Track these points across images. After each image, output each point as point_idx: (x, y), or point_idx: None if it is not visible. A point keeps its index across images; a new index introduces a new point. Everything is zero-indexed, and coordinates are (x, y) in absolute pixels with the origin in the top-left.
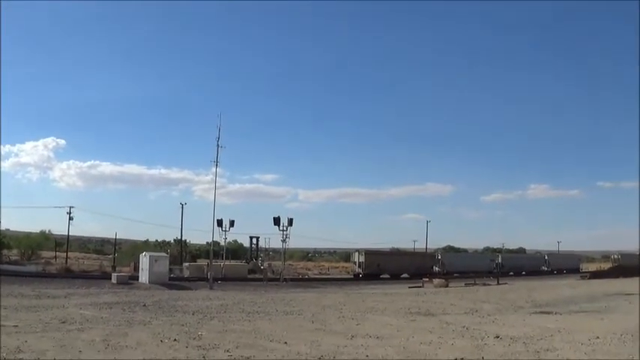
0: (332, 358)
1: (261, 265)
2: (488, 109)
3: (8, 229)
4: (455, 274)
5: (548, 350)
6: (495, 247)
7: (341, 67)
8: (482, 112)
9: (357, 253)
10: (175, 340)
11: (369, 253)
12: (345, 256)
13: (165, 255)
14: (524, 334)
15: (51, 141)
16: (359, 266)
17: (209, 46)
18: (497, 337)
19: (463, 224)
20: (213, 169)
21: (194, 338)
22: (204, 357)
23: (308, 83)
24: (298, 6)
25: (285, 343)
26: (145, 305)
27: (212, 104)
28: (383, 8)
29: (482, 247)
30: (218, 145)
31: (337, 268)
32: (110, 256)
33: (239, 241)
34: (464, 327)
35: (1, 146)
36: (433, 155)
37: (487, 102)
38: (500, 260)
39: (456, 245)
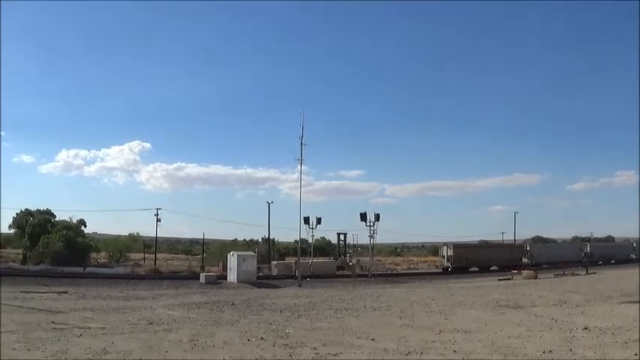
0: (419, 353)
1: (350, 262)
2: (572, 97)
3: (96, 233)
4: (544, 265)
5: (637, 341)
6: (584, 236)
7: (422, 62)
8: (566, 101)
9: (445, 247)
10: (262, 338)
11: (457, 247)
12: (434, 250)
13: (253, 254)
14: (613, 325)
15: (136, 144)
16: (447, 260)
17: (291, 45)
18: (586, 328)
19: (550, 214)
20: (299, 167)
21: (281, 336)
22: (290, 355)
23: (390, 79)
24: (373, 4)
25: (373, 339)
26: (232, 304)
27: (295, 102)
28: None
29: (570, 237)
30: (302, 142)
31: (425, 262)
32: (198, 257)
33: (327, 238)
34: (552, 319)
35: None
36: (519, 145)
37: (571, 91)
38: (588, 249)
39: (544, 235)
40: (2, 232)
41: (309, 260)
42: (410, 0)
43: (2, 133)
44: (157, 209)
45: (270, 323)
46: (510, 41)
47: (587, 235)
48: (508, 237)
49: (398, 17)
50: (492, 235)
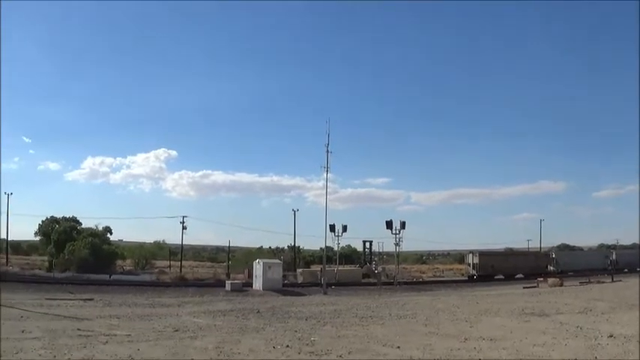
0: None
1: (375, 270)
2: (598, 104)
3: (122, 240)
4: (569, 273)
5: None
6: (609, 243)
7: (448, 68)
8: (592, 108)
9: (470, 255)
10: (288, 346)
11: (483, 254)
12: (459, 257)
13: (279, 261)
14: (638, 333)
15: (162, 152)
16: (473, 268)
17: (317, 52)
18: (611, 336)
19: (576, 221)
20: (325, 175)
21: (307, 344)
22: None
23: (417, 86)
24: (397, 8)
25: (398, 347)
26: (258, 312)
27: (321, 110)
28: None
29: (596, 244)
30: (328, 150)
31: (451, 270)
32: (224, 264)
33: (352, 246)
34: (578, 327)
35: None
36: (544, 153)
37: (597, 98)
38: (614, 257)
39: (570, 243)
40: (28, 239)
41: (335, 268)
42: (438, 0)
43: (29, 141)
44: (183, 217)
45: (296, 331)
46: (536, 45)
47: (613, 243)
48: (534, 245)
49: (424, 21)
50: (518, 242)
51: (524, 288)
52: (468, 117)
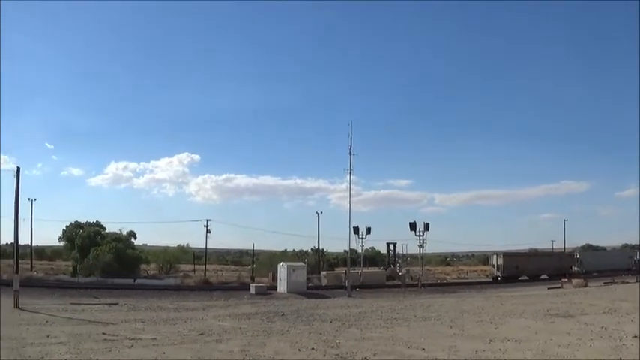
0: None
1: (399, 272)
2: (619, 102)
3: (146, 244)
4: (594, 273)
5: None
6: (633, 243)
7: (468, 71)
8: (613, 106)
9: (494, 256)
10: (313, 348)
11: (507, 255)
12: (483, 259)
13: (303, 264)
14: None
15: (185, 156)
16: (497, 269)
17: (337, 53)
18: (636, 336)
19: (600, 221)
20: (348, 178)
21: (332, 346)
22: None
23: (438, 88)
24: (424, 9)
25: (423, 349)
26: (283, 315)
27: (344, 112)
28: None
29: (620, 244)
30: (350, 153)
31: (475, 271)
32: (248, 267)
33: (376, 248)
34: (602, 327)
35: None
36: (566, 153)
37: (618, 95)
38: (638, 257)
39: (594, 243)
40: (52, 244)
41: (359, 270)
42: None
43: (51, 147)
44: (207, 220)
45: (321, 333)
46: (557, 45)
47: (637, 243)
48: (558, 245)
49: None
50: (542, 243)
51: (548, 289)
52: (490, 118)
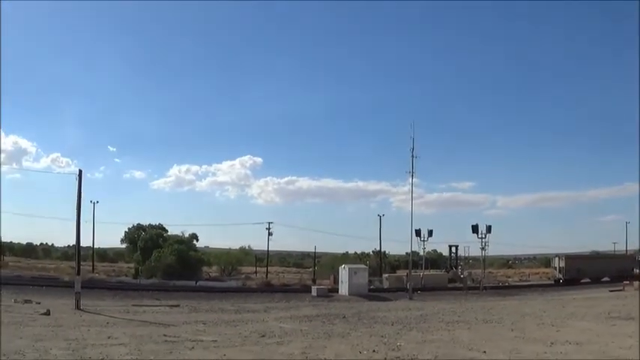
0: None
1: (461, 274)
2: None
3: (207, 247)
4: None
5: None
6: None
7: (532, 71)
8: None
9: (556, 259)
10: (374, 351)
11: (569, 258)
12: (545, 261)
13: (365, 267)
14: None
15: (248, 159)
16: (559, 271)
17: (401, 55)
18: None
19: None
20: (410, 180)
21: (393, 349)
22: None
23: (500, 87)
24: (481, 8)
25: (484, 352)
26: (344, 317)
27: (406, 114)
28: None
29: None
30: (412, 155)
31: (537, 274)
32: (310, 270)
33: (438, 251)
34: None
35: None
36: (628, 154)
37: None
38: None
39: None
40: (114, 246)
41: (421, 273)
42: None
43: (114, 150)
44: (269, 223)
45: (382, 336)
46: (601, 44)
47: None
48: (620, 247)
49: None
50: (604, 245)
51: (610, 291)
52: (552, 120)
